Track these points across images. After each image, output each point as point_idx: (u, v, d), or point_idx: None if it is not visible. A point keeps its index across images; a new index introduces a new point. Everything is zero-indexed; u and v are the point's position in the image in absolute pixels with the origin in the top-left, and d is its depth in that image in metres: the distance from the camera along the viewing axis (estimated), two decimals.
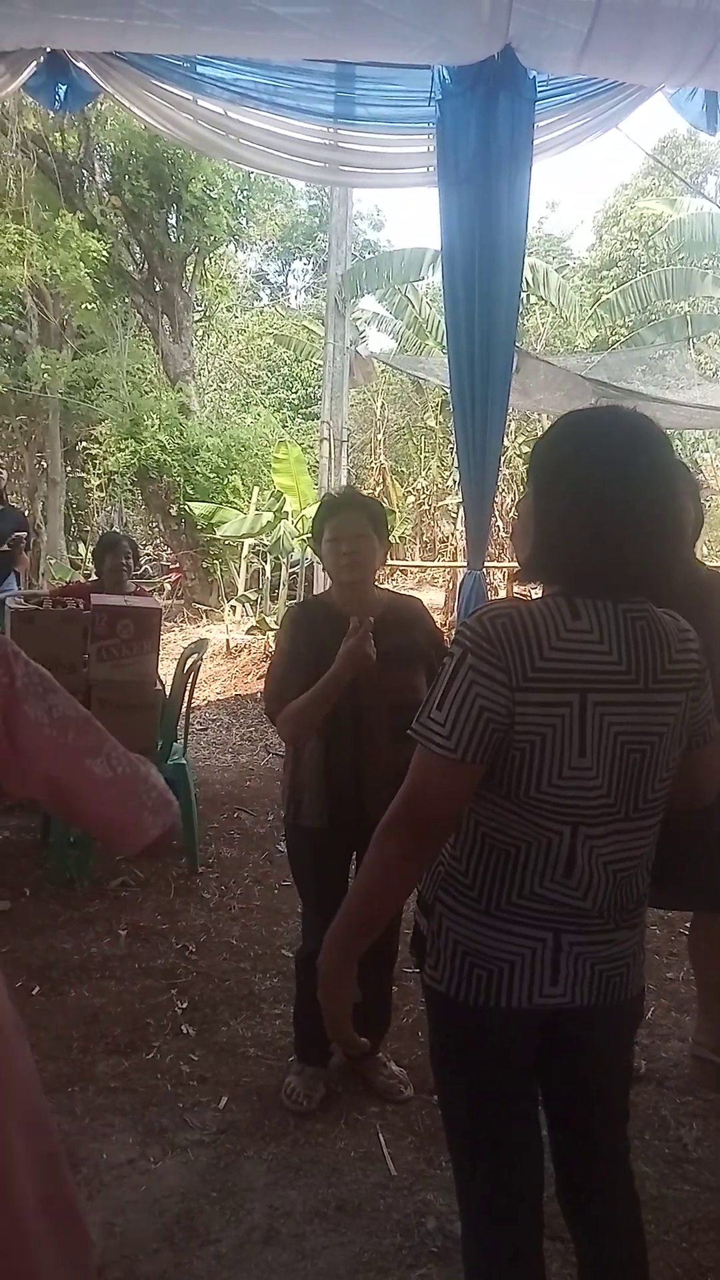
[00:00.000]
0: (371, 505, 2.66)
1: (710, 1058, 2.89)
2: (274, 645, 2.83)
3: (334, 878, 2.68)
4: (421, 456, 17.93)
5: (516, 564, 1.60)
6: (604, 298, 15.35)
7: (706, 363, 16.11)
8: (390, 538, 2.69)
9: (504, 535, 14.85)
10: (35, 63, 4.23)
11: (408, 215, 21.09)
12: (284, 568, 10.33)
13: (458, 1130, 1.64)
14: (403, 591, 2.75)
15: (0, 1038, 1.20)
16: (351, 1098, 2.73)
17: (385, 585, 2.79)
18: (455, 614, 6.55)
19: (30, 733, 1.21)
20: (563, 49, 3.76)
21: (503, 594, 11.31)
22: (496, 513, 9.00)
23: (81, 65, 4.32)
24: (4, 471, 5.01)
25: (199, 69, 4.44)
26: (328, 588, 2.72)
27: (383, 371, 15.68)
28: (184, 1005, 3.19)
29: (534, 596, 1.52)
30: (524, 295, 13.07)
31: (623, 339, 15.08)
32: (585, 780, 1.41)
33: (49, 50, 4.20)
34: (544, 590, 1.50)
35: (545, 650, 1.38)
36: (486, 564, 5.61)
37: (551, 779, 1.40)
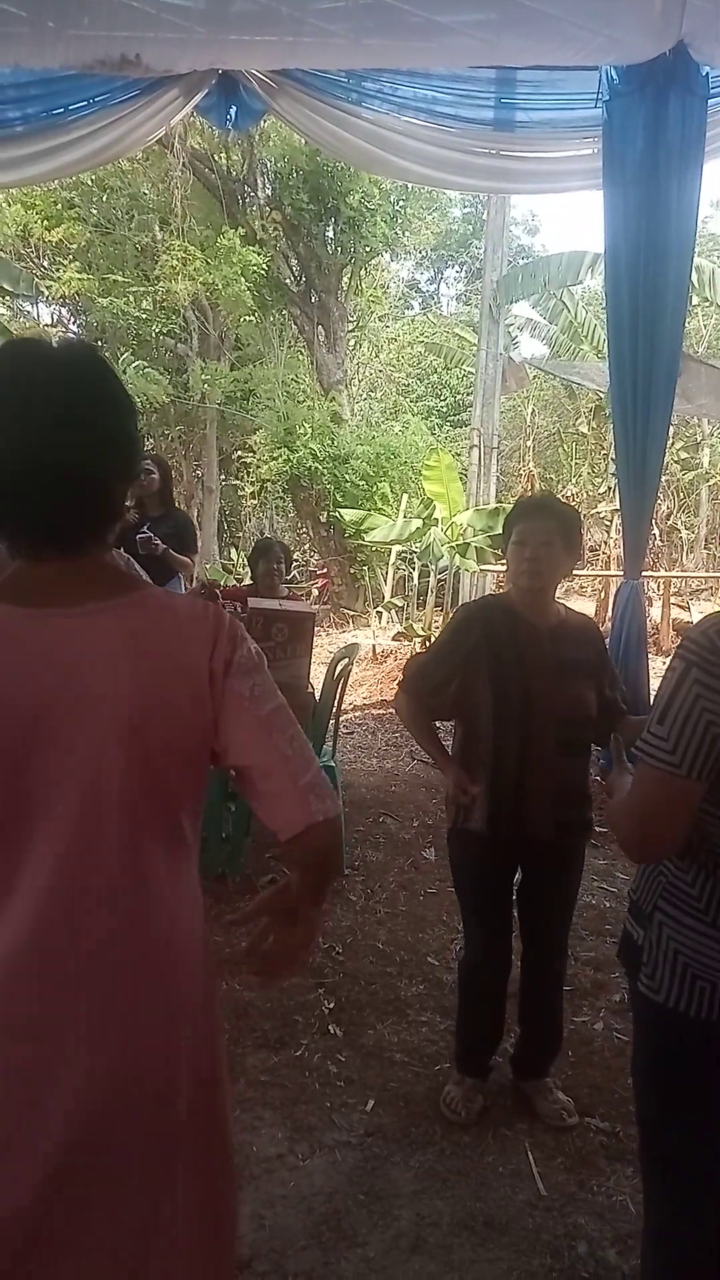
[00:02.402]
0: (565, 513, 2.58)
1: None
2: (438, 632, 2.81)
3: (497, 886, 2.66)
4: (572, 463, 17.64)
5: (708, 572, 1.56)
6: None
7: None
8: (580, 548, 2.62)
9: (659, 544, 14.40)
10: (208, 85, 4.40)
11: (565, 218, 20.81)
12: (432, 575, 10.33)
13: (657, 1147, 1.61)
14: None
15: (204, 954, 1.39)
16: (500, 1113, 2.69)
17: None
18: (609, 624, 6.38)
19: (232, 703, 1.28)
20: None
21: (658, 605, 11.00)
22: (653, 521, 8.75)
23: (251, 84, 4.46)
24: (148, 476, 5.14)
25: (360, 83, 4.52)
26: (504, 590, 2.68)
27: (534, 378, 15.50)
28: (331, 1005, 3.22)
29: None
30: (689, 297, 12.73)
31: None
32: None
33: (220, 72, 4.35)
34: None
35: None
36: (643, 574, 5.45)
37: None
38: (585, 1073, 2.89)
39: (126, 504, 1.42)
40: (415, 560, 10.77)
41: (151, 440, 18.20)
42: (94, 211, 14.47)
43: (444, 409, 21.49)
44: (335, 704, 4.59)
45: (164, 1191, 1.25)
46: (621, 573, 5.64)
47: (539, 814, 2.51)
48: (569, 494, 16.48)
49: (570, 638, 2.55)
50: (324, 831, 1.29)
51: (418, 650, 9.39)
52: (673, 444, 14.46)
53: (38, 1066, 1.16)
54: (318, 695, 4.53)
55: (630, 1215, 2.29)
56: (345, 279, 15.96)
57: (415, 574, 11.11)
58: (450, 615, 2.75)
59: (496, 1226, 2.25)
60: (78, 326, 16.72)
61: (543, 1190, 2.38)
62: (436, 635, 2.76)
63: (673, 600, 11.59)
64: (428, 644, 9.09)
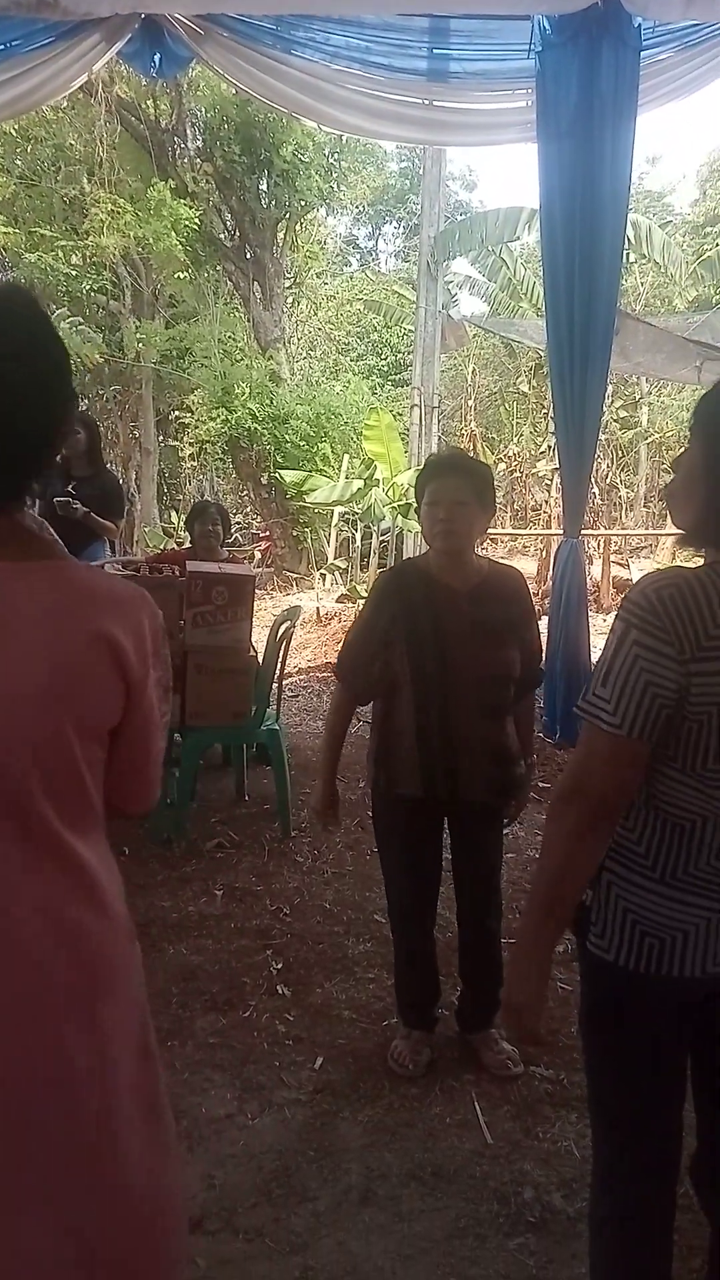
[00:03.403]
0: (477, 470, 2.55)
1: None
2: (360, 607, 2.80)
3: (426, 846, 2.69)
4: (514, 422, 17.70)
5: (675, 528, 1.54)
6: (707, 254, 14.82)
7: None
8: (494, 503, 2.59)
9: (599, 502, 14.52)
10: (131, 30, 4.25)
11: (502, 174, 20.62)
12: (374, 535, 10.31)
13: (603, 1103, 1.63)
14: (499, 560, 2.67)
15: (116, 933, 1.26)
16: (447, 1065, 2.74)
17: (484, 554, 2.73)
18: (550, 582, 6.44)
19: (144, 702, 1.25)
20: None
21: (598, 563, 11.11)
22: (593, 479, 8.83)
23: (176, 30, 4.32)
24: (77, 436, 4.98)
25: (290, 30, 4.40)
26: (425, 551, 2.65)
27: (474, 336, 15.45)
28: (279, 966, 3.24)
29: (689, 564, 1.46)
30: (624, 253, 12.77)
31: None
32: None
33: (144, 16, 4.21)
34: (706, 557, 1.44)
35: (718, 618, 1.33)
36: (583, 532, 5.50)
37: None
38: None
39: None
40: (358, 521, 10.73)
41: (86, 400, 17.81)
42: (18, 163, 13.99)
43: (385, 368, 21.37)
44: (278, 667, 4.57)
45: (97, 1159, 1.21)
46: (561, 531, 5.68)
47: (469, 776, 2.52)
48: (510, 453, 16.55)
49: (492, 596, 2.52)
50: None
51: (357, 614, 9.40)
52: (611, 403, 14.57)
53: None
54: (260, 658, 4.51)
55: (575, 1160, 2.35)
56: (280, 234, 15.68)
57: (358, 535, 11.08)
58: (371, 586, 2.73)
59: (444, 1176, 2.30)
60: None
61: (489, 1139, 2.43)
62: (360, 611, 2.73)
63: (613, 558, 11.72)
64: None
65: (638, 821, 1.47)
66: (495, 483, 2.64)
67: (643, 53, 4.26)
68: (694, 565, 1.42)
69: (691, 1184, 1.71)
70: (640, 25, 4.19)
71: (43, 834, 1.16)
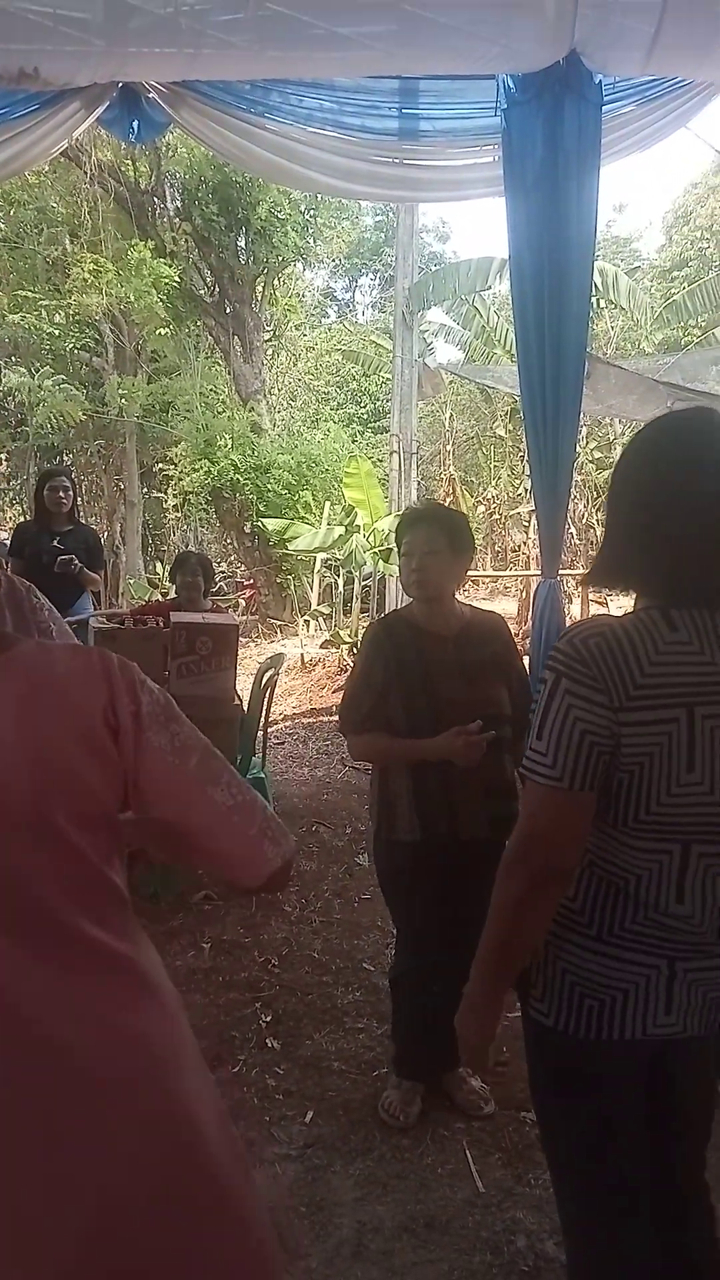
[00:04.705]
0: (450, 519, 2.60)
1: None
2: (354, 661, 2.83)
3: (428, 892, 2.67)
4: (491, 466, 17.87)
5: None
6: (673, 298, 15.13)
7: None
8: (471, 550, 2.64)
9: (577, 543, 14.68)
10: (109, 98, 4.36)
11: (474, 225, 21.11)
12: (356, 581, 10.36)
13: (563, 1167, 1.59)
14: (476, 601, 2.72)
15: (169, 1018, 1.22)
16: (438, 1114, 2.70)
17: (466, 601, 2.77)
18: (530, 623, 6.47)
19: (154, 762, 1.17)
20: (630, 50, 3.72)
21: (577, 602, 11.18)
22: (570, 520, 8.92)
23: (153, 96, 4.43)
24: (66, 493, 5.10)
25: (264, 95, 4.52)
26: (409, 602, 2.69)
27: (450, 382, 15.67)
28: (268, 1019, 3.20)
29: (624, 611, 1.47)
30: (593, 299, 13.02)
31: (696, 340, 14.83)
32: (696, 796, 1.34)
33: (121, 84, 4.32)
34: (635, 603, 1.45)
35: (645, 667, 1.32)
36: (561, 572, 5.54)
37: (660, 799, 1.34)
38: (520, 1066, 2.87)
39: (28, 521, 1.35)
40: (340, 567, 10.79)
41: (69, 456, 17.95)
42: (2, 226, 14.23)
43: (364, 415, 21.60)
44: (263, 715, 4.57)
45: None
46: (539, 572, 5.72)
47: (469, 815, 2.53)
48: (489, 496, 16.68)
49: (475, 640, 2.58)
50: (282, 873, 1.24)
51: (345, 658, 9.41)
52: (586, 444, 14.78)
53: None
54: (245, 706, 4.51)
55: None
56: (259, 289, 15.94)
57: (340, 581, 11.13)
58: (362, 638, 2.76)
59: (437, 1227, 2.26)
60: None
61: (481, 1187, 2.40)
62: (354, 664, 2.76)
63: (591, 597, 11.79)
64: (354, 651, 9.11)
65: (575, 880, 1.44)
66: (472, 527, 2.69)
67: (604, 107, 4.38)
68: (621, 614, 1.41)
69: None
70: (601, 82, 4.32)
71: (77, 939, 1.12)
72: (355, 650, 9.21)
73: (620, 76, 4.27)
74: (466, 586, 15.78)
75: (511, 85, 4.33)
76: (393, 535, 9.64)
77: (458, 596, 2.70)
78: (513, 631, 3.84)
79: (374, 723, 2.58)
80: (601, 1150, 1.51)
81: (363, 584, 10.38)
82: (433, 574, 2.52)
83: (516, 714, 2.60)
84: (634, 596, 1.48)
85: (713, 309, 14.88)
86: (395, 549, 2.67)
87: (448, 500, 15.21)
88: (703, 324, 15.82)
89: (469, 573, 2.77)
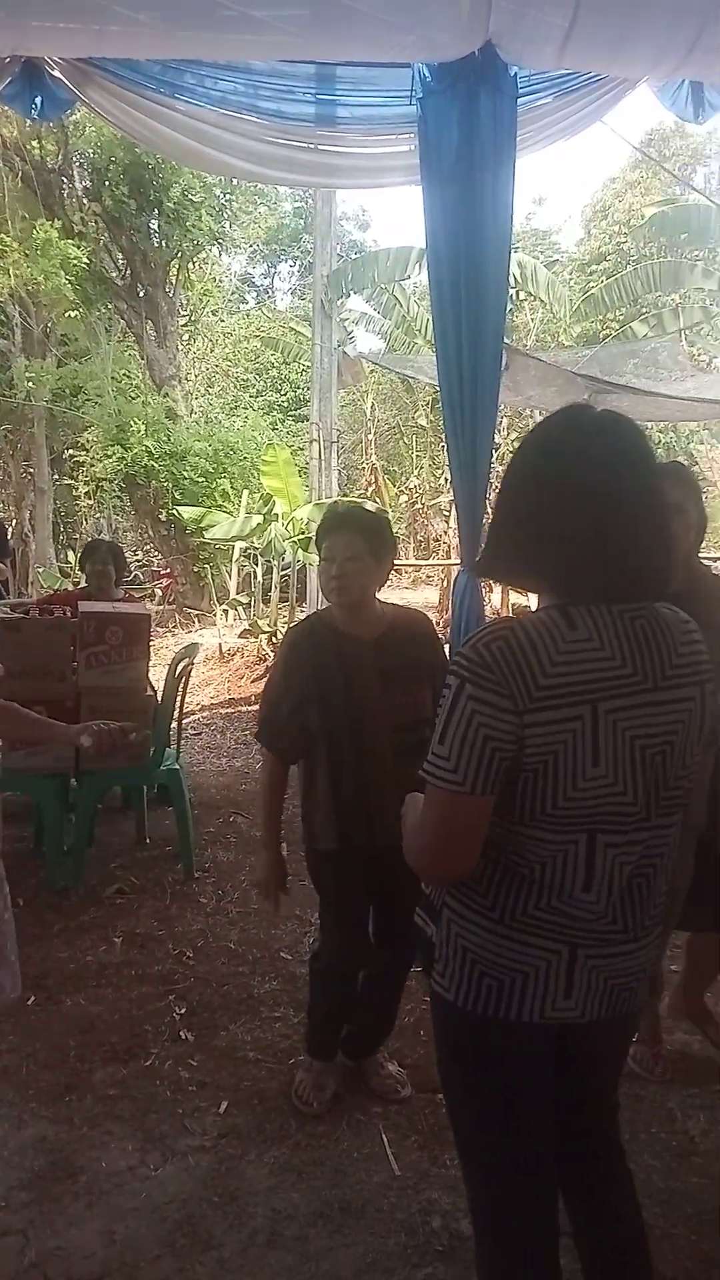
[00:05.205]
0: (370, 523, 2.56)
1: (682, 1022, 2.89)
2: (272, 666, 2.78)
3: (354, 896, 2.65)
4: (413, 455, 17.97)
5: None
6: (592, 292, 15.39)
7: (700, 354, 16.14)
8: (393, 553, 2.61)
9: None
10: (11, 73, 4.21)
11: (394, 214, 21.11)
12: (276, 570, 10.31)
13: (466, 1140, 1.62)
14: (399, 593, 2.69)
15: None
16: (354, 1098, 2.72)
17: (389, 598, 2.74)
18: (450, 612, 6.54)
19: None
20: (544, 43, 3.74)
21: (497, 591, 11.32)
22: (489, 510, 9.02)
23: (57, 74, 4.30)
24: None
25: (176, 76, 4.42)
26: (329, 604, 2.67)
27: (371, 371, 15.71)
28: (182, 1011, 3.17)
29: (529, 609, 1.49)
30: (513, 291, 13.17)
31: (614, 333, 15.12)
32: (602, 788, 1.37)
33: (24, 58, 4.18)
34: (538, 601, 1.46)
35: (548, 668, 1.34)
36: None
37: (566, 793, 1.36)
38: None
39: None
40: (259, 557, 10.72)
41: None
42: None
43: (285, 403, 21.48)
44: (178, 705, 4.52)
45: None
46: (460, 562, 5.77)
47: (385, 821, 2.49)
48: (411, 486, 16.77)
49: (398, 643, 2.54)
50: None
51: (264, 647, 9.36)
52: (507, 434, 14.94)
53: None
54: (159, 697, 4.45)
55: None
56: (173, 272, 15.68)
57: (259, 570, 11.07)
58: (281, 643, 2.73)
59: (352, 1212, 2.27)
60: None
61: (397, 1170, 2.42)
62: (272, 669, 2.73)
63: (511, 588, 11.94)
64: (273, 641, 9.07)
65: (478, 865, 1.45)
66: (394, 517, 2.67)
67: (520, 99, 4.41)
68: (526, 613, 1.44)
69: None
70: (516, 74, 4.36)
71: None
72: (275, 640, 9.18)
73: (536, 69, 4.30)
74: (390, 577, 15.90)
75: (427, 74, 4.33)
76: (313, 524, 9.63)
77: (378, 595, 2.66)
78: (435, 620, 3.86)
79: (289, 734, 2.56)
80: (504, 1123, 1.54)
81: (282, 573, 10.33)
82: (353, 579, 2.48)
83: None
84: (533, 593, 1.50)
85: (630, 303, 15.20)
86: (317, 550, 2.62)
87: (370, 490, 15.24)
88: (620, 318, 16.14)
89: (395, 563, 2.75)
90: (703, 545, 2.66)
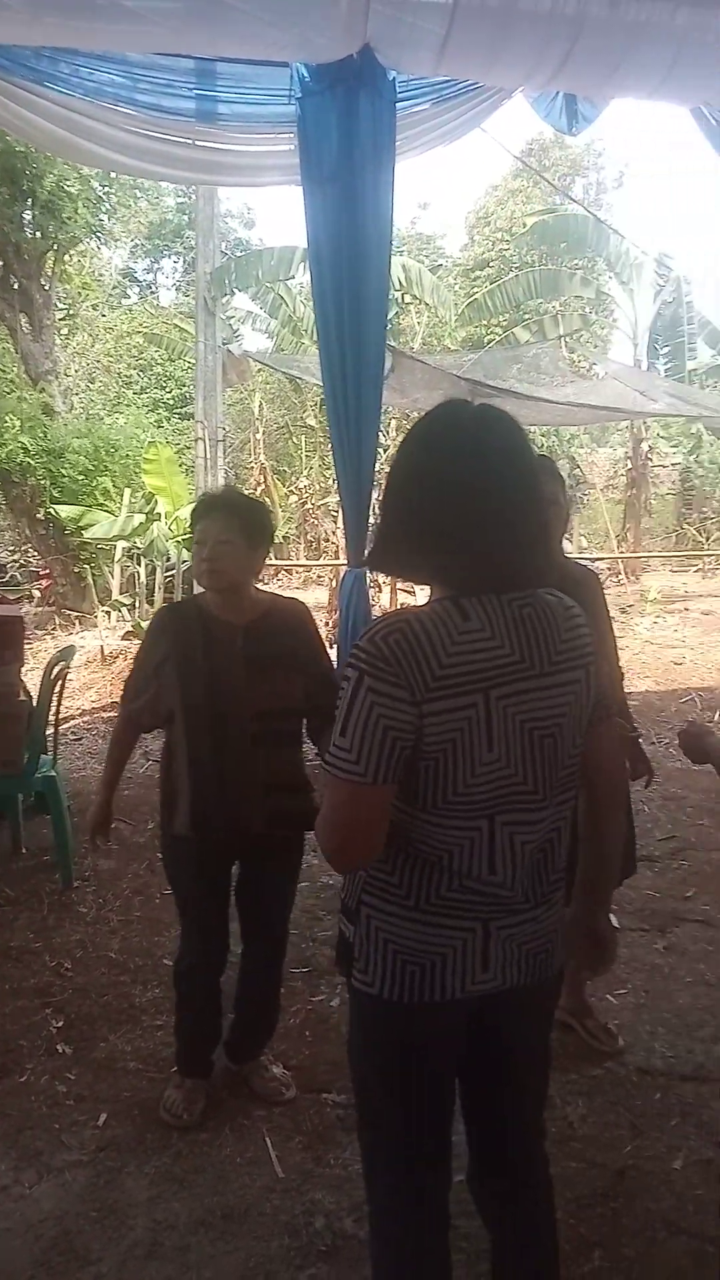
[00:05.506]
0: (246, 507, 2.54)
1: (565, 1019, 2.97)
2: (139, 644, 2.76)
3: (212, 887, 2.63)
4: (303, 455, 17.93)
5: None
6: (476, 297, 15.66)
7: (580, 361, 16.60)
8: (269, 540, 2.58)
9: None
10: None
11: (280, 213, 20.94)
12: (160, 571, 10.14)
13: (377, 1127, 1.65)
14: (290, 593, 2.68)
15: None
16: (237, 1103, 2.69)
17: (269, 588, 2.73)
18: (338, 612, 6.55)
19: None
20: (421, 50, 3.78)
21: (386, 592, 11.42)
22: (375, 510, 9.10)
23: None
24: None
25: (50, 65, 4.30)
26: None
27: (259, 370, 15.60)
28: (59, 1024, 3.08)
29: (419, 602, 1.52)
30: (399, 295, 13.30)
31: (497, 338, 15.42)
32: (497, 772, 1.42)
33: None
34: (431, 594, 1.50)
35: (443, 658, 1.38)
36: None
37: (466, 779, 1.41)
38: (323, 1050, 2.95)
39: None
40: (142, 557, 10.53)
41: None
42: None
43: (171, 401, 21.13)
44: (54, 710, 4.39)
45: None
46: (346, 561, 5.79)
47: (246, 809, 2.50)
48: (301, 486, 16.73)
49: (271, 630, 2.52)
50: None
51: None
52: (395, 436, 15.08)
53: None
54: (34, 702, 4.31)
55: None
56: (48, 265, 15.23)
57: (143, 571, 10.87)
58: (149, 624, 2.70)
59: (234, 1217, 2.26)
60: None
61: (280, 1172, 2.41)
62: (137, 649, 2.71)
63: (399, 586, 12.06)
64: None
65: (389, 855, 1.49)
66: (284, 517, 2.65)
67: (400, 104, 4.46)
68: (419, 605, 1.47)
69: (471, 1195, 1.77)
70: (395, 79, 4.40)
71: None
72: None
73: (414, 75, 4.35)
74: (280, 576, 15.79)
75: (306, 74, 4.33)
76: None
77: (258, 585, 2.64)
78: (323, 620, 3.83)
79: (146, 694, 2.55)
80: (419, 1114, 1.59)
81: (166, 573, 10.17)
82: (225, 564, 2.44)
83: (318, 708, 2.58)
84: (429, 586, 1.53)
85: (513, 309, 15.55)
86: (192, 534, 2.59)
87: (259, 489, 15.14)
88: (504, 323, 16.49)
89: (285, 562, 2.75)
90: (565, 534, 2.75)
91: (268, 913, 2.70)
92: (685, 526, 19.21)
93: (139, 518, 9.69)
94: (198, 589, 2.67)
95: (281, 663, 2.51)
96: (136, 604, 10.91)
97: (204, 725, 2.46)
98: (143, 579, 10.87)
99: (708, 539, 18.38)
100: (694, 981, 3.38)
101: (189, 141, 4.72)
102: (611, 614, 2.87)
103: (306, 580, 15.41)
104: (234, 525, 2.45)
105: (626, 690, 3.17)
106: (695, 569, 16.78)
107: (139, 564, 10.81)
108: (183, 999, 2.72)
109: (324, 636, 2.76)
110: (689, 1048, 2.99)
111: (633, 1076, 2.85)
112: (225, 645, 2.47)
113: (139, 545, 10.01)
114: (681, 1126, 2.62)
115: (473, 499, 1.41)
